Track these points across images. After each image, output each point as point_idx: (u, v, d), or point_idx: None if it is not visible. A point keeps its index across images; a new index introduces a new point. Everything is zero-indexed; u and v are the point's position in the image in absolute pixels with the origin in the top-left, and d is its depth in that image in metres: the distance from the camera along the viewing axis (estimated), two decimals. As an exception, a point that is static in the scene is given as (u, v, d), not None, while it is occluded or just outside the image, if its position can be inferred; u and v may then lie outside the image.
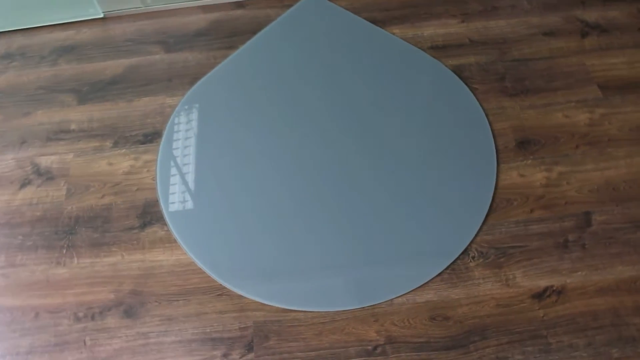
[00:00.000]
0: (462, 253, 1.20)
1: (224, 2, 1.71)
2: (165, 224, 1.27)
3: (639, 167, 1.31)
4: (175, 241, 1.25)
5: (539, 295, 1.14)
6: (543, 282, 1.15)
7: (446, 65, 1.52)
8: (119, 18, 1.70)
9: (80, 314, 1.16)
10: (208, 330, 1.13)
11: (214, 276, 1.19)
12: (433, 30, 1.61)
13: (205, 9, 1.71)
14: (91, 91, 1.53)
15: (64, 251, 1.24)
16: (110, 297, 1.18)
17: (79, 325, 1.15)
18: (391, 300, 1.15)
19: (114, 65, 1.58)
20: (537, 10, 1.64)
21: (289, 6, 1.69)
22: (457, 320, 1.11)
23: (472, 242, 1.21)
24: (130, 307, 1.16)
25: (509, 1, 1.67)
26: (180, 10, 1.71)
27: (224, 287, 1.18)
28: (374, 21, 1.63)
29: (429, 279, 1.17)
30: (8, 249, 1.26)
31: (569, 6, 1.64)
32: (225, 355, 1.09)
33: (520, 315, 1.11)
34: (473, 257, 1.19)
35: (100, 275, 1.21)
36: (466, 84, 1.48)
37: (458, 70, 1.51)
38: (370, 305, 1.14)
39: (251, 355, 1.09)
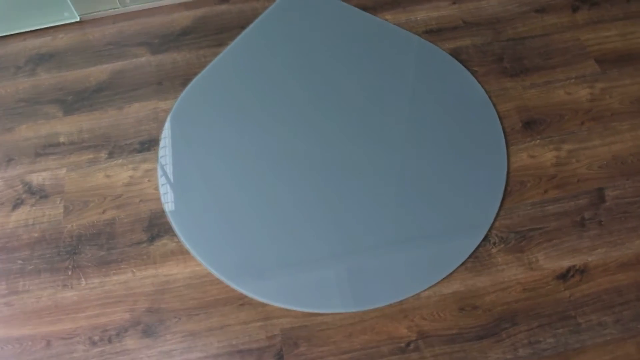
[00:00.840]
0: (483, 240, 1.19)
1: (207, -3, 1.64)
2: (174, 235, 1.22)
3: (644, 139, 1.32)
4: (187, 252, 1.19)
5: (563, 276, 1.14)
6: (565, 263, 1.15)
7: (443, 49, 1.50)
8: (96, 20, 1.61)
9: (96, 338, 1.10)
10: (234, 343, 1.09)
11: (233, 285, 1.15)
12: (426, 13, 1.58)
13: (188, 5, 1.63)
14: (77, 100, 1.44)
15: (70, 272, 1.18)
16: (126, 317, 1.12)
17: (95, 349, 1.09)
18: (418, 294, 1.13)
19: (98, 71, 1.50)
20: (526, -13, 1.63)
21: (275, -3, 1.63)
22: (486, 309, 1.11)
23: (491, 227, 1.20)
24: (149, 325, 1.11)
25: (497, -21, 1.65)
26: (161, 9, 1.63)
27: (245, 296, 1.14)
28: (364, 8, 1.59)
29: (453, 269, 1.15)
30: (8, 276, 1.18)
31: (557, -19, 1.63)
32: (255, 366, 1.06)
33: (548, 298, 1.11)
34: (494, 243, 1.18)
35: (112, 295, 1.15)
36: (465, 67, 1.46)
37: (455, 54, 1.49)
38: (398, 302, 1.12)
39: (282, 364, 1.06)
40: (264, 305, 1.13)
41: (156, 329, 1.11)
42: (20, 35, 1.59)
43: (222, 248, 1.19)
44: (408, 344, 1.07)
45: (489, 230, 1.20)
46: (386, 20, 1.57)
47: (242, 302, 1.13)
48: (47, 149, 1.36)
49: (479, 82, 1.43)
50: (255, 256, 1.18)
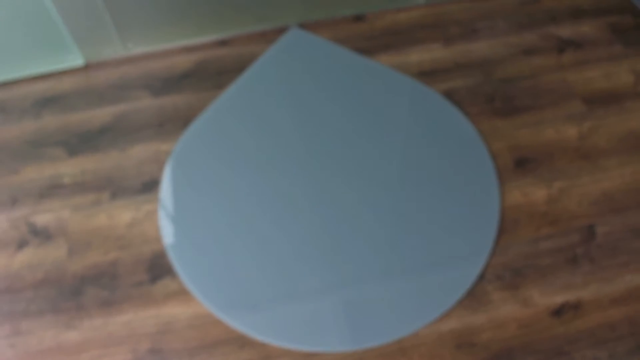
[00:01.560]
0: (479, 278, 1.21)
1: (207, 41, 1.70)
2: (175, 275, 1.24)
3: (631, 176, 1.36)
4: (188, 292, 1.21)
5: (557, 312, 1.16)
6: (559, 299, 1.18)
7: (436, 90, 1.55)
8: (100, 65, 1.67)
9: (99, 380, 1.11)
10: (235, 383, 1.10)
11: (233, 325, 1.16)
12: (418, 55, 1.64)
13: (189, 49, 1.69)
14: (81, 142, 1.48)
15: (73, 313, 1.19)
16: (128, 357, 1.14)
17: (98, 392, 1.10)
18: (416, 332, 1.15)
19: (101, 114, 1.55)
20: (513, 29, 1.70)
21: (273, 41, 1.69)
22: (483, 346, 1.13)
23: (486, 265, 1.23)
24: (151, 366, 1.12)
25: (485, 23, 1.72)
26: (163, 53, 1.69)
27: (246, 337, 1.15)
28: (359, 51, 1.66)
29: (449, 307, 1.18)
30: (12, 317, 1.20)
31: (542, 23, 1.71)
32: (256, 407, 1.07)
33: (543, 334, 1.14)
34: (490, 281, 1.21)
35: (114, 336, 1.16)
36: (458, 107, 1.51)
37: (448, 95, 1.54)
38: (397, 340, 1.14)
39: (283, 404, 1.07)
40: (264, 345, 1.14)
41: (158, 370, 1.12)
42: (27, 80, 1.64)
43: (222, 288, 1.21)
44: (407, 383, 1.09)
45: (485, 268, 1.23)
46: (380, 62, 1.63)
47: (243, 342, 1.15)
48: (52, 190, 1.40)
49: (471, 122, 1.48)
50: (255, 296, 1.20)
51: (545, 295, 1.19)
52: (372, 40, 1.69)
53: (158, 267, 1.25)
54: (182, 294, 1.21)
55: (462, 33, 1.70)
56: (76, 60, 1.64)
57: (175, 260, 1.26)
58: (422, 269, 1.23)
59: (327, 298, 1.19)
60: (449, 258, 1.24)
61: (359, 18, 1.75)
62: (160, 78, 1.62)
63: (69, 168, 1.44)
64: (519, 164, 1.39)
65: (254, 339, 1.15)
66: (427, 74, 1.60)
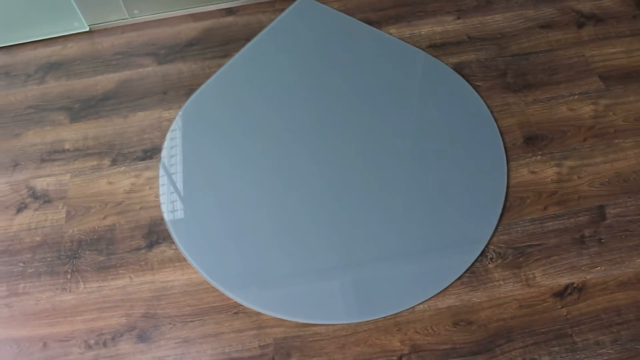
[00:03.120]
0: (480, 255, 1.18)
1: (214, 9, 1.67)
2: (172, 242, 1.23)
3: (647, 156, 1.31)
4: (184, 259, 1.20)
5: (561, 294, 1.12)
6: (563, 280, 1.14)
7: (447, 64, 1.50)
8: (105, 31, 1.65)
9: (92, 341, 1.11)
10: (227, 350, 1.09)
11: (228, 294, 1.15)
12: (430, 28, 1.59)
13: (195, 17, 1.66)
14: (83, 108, 1.47)
15: (69, 276, 1.19)
16: (122, 321, 1.13)
17: (90, 353, 1.10)
18: (412, 307, 1.12)
19: (105, 80, 1.53)
20: (531, 2, 1.63)
21: (281, 10, 1.65)
22: (481, 324, 1.10)
23: (489, 243, 1.19)
24: (144, 331, 1.12)
25: (503, -5, 1.66)
26: (169, 20, 1.66)
27: (240, 305, 1.14)
28: (369, 22, 1.61)
29: (448, 284, 1.15)
30: (9, 278, 1.20)
31: (562, -2, 1.64)
32: (247, 376, 1.06)
33: (544, 315, 1.10)
34: (491, 259, 1.17)
35: (109, 300, 1.16)
36: (468, 81, 1.46)
37: (459, 68, 1.49)
38: (392, 315, 1.12)
39: (274, 374, 1.06)
40: (258, 314, 1.13)
41: (151, 334, 1.11)
42: (31, 44, 1.63)
43: (219, 257, 1.20)
44: (400, 358, 1.07)
45: (487, 246, 1.19)
46: (390, 34, 1.58)
47: (237, 310, 1.14)
48: (53, 155, 1.39)
49: (481, 97, 1.43)
50: (251, 265, 1.19)
51: (549, 275, 1.15)
52: (382, 11, 1.64)
53: (155, 234, 1.24)
54: (178, 260, 1.20)
55: (476, 5, 1.63)
56: (81, 25, 1.62)
57: (172, 227, 1.24)
58: (423, 245, 1.20)
59: (326, 272, 1.17)
60: (450, 234, 1.21)
61: (370, -12, 1.70)
62: (165, 46, 1.60)
63: (71, 133, 1.43)
64: (529, 141, 1.34)
65: (248, 308, 1.14)
66: (437, 47, 1.54)
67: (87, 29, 1.63)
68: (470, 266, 1.17)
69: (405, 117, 1.39)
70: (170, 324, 1.13)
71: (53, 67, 1.57)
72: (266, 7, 1.67)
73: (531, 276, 1.15)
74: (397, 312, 1.12)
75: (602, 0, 1.62)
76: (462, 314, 1.11)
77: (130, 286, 1.18)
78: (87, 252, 1.23)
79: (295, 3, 1.66)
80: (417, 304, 1.13)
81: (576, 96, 1.42)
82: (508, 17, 1.60)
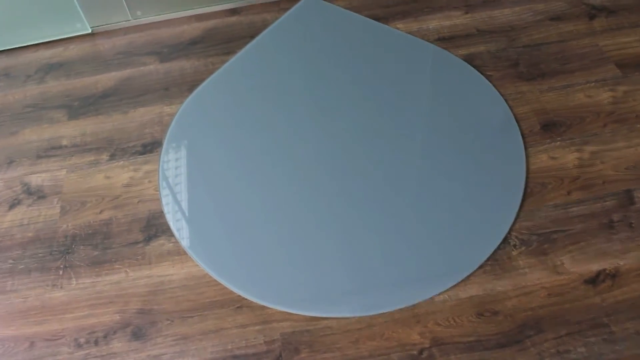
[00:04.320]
0: (502, 242, 1.09)
1: (218, 9, 1.65)
2: (172, 235, 1.15)
3: (673, 141, 1.24)
4: (184, 253, 1.12)
5: (593, 281, 1.03)
6: (594, 266, 1.05)
7: (456, 56, 1.45)
8: (108, 33, 1.62)
9: (82, 340, 1.02)
10: (229, 347, 0.99)
11: (230, 287, 1.07)
12: (438, 22, 1.55)
13: (199, 17, 1.64)
14: (82, 106, 1.43)
15: (61, 272, 1.11)
16: (116, 318, 1.04)
17: (80, 352, 1.01)
18: (431, 298, 1.03)
19: (105, 79, 1.49)
20: (540, -3, 1.60)
21: (286, 10, 1.63)
22: (507, 315, 1.00)
23: (510, 229, 1.11)
24: (139, 328, 1.03)
25: (510, -9, 1.63)
26: (172, 21, 1.63)
27: (243, 299, 1.05)
28: (375, 19, 1.58)
29: (469, 273, 1.06)
30: (-3, 276, 1.12)
31: (572, -8, 1.60)
32: (251, 373, 0.96)
33: (576, 304, 1.01)
34: (515, 246, 1.09)
35: (102, 296, 1.08)
36: (480, 72, 1.41)
37: (469, 59, 1.44)
38: (410, 306, 1.02)
39: (281, 371, 0.96)
40: (263, 308, 1.04)
41: (147, 331, 1.02)
42: (33, 46, 1.60)
43: (221, 249, 1.12)
44: (421, 352, 0.97)
45: (509, 233, 1.11)
46: (398, 29, 1.54)
47: (240, 304, 1.05)
48: (49, 151, 1.33)
49: (494, 86, 1.38)
50: (255, 258, 1.10)
51: (578, 262, 1.06)
52: (388, 7, 1.61)
53: (154, 227, 1.17)
54: (177, 254, 1.12)
55: (484, 1, 1.60)
56: (83, 27, 1.60)
57: (172, 219, 1.17)
58: (441, 233, 1.11)
59: (336, 262, 1.09)
60: (470, 222, 1.12)
61: (375, -13, 1.68)
62: (167, 45, 1.56)
63: (69, 130, 1.38)
64: (546, 128, 1.28)
65: (252, 301, 1.05)
66: (446, 40, 1.50)
67: (90, 31, 1.61)
68: (492, 254, 1.08)
69: (417, 108, 1.33)
70: (167, 320, 1.04)
71: (53, 68, 1.53)
72: (271, 7, 1.65)
73: (559, 263, 1.06)
74: (414, 303, 1.03)
75: (613, -7, 1.59)
76: (487, 303, 1.02)
77: (126, 281, 1.09)
78: (82, 247, 1.15)
79: (301, 2, 1.64)
80: (437, 294, 1.03)
81: (592, 84, 1.36)
82: (517, 11, 1.56)
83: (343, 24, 1.56)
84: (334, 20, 1.58)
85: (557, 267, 1.05)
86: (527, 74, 1.40)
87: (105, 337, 1.02)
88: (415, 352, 0.97)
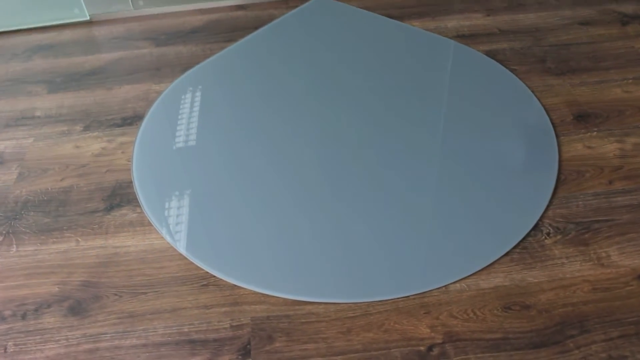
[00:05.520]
0: (533, 229, 0.90)
1: (224, 5, 1.57)
2: (137, 205, 0.98)
3: None
4: (149, 224, 0.94)
5: (649, 276, 0.82)
6: (650, 261, 0.84)
7: (478, 50, 1.33)
8: (106, 22, 1.54)
9: (7, 313, 0.82)
10: (186, 330, 0.78)
11: (197, 262, 0.87)
12: (457, 22, 1.44)
13: (203, 11, 1.55)
14: (65, 81, 1.31)
15: (1, 238, 0.93)
16: (53, 290, 0.85)
17: (2, 326, 0.80)
18: (445, 286, 0.82)
19: (95, 59, 1.38)
20: (566, 5, 1.49)
21: (295, 7, 1.54)
22: (541, 310, 0.79)
23: (543, 216, 0.92)
24: (79, 302, 0.83)
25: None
26: (175, 14, 1.55)
27: (211, 276, 0.85)
28: (390, 17, 1.47)
29: (493, 260, 0.85)
30: None
31: (600, 2, 1.50)
32: (209, 362, 0.75)
33: (630, 301, 0.79)
34: (548, 234, 0.89)
35: (43, 265, 0.88)
36: (503, 66, 1.27)
37: (491, 55, 1.31)
38: (418, 294, 0.81)
39: (248, 362, 0.74)
40: (234, 288, 0.84)
41: (87, 306, 0.82)
42: (26, 30, 1.52)
43: (191, 222, 0.94)
44: (430, 348, 0.75)
45: (541, 219, 0.91)
46: (414, 26, 1.43)
47: (207, 282, 0.85)
48: (20, 121, 1.20)
49: (519, 79, 1.23)
50: (230, 233, 0.92)
51: (629, 255, 0.85)
52: (404, 8, 1.51)
53: (118, 197, 1.00)
54: (140, 225, 0.94)
55: (507, 6, 1.50)
56: (81, 13, 1.52)
57: (140, 189, 1.00)
58: (460, 218, 0.92)
59: (327, 239, 0.89)
60: (496, 207, 0.94)
61: (391, -8, 1.60)
62: (166, 32, 1.47)
63: (45, 102, 1.25)
64: (580, 118, 1.12)
65: (221, 280, 0.85)
66: (466, 37, 1.38)
67: (87, 18, 1.53)
68: (521, 241, 0.88)
69: (437, 98, 1.18)
70: (115, 295, 0.84)
71: (43, 49, 1.44)
72: (279, 5, 1.56)
73: (604, 255, 0.85)
74: (424, 290, 0.82)
75: (646, 5, 1.48)
76: (515, 295, 0.81)
77: (74, 251, 0.91)
78: (32, 213, 0.98)
79: (311, 1, 1.55)
80: (452, 282, 0.83)
81: (630, 80, 1.21)
82: (542, 16, 1.46)
83: (355, 20, 1.46)
84: (346, 17, 1.48)
85: (602, 260, 0.85)
86: (555, 69, 1.26)
87: (36, 310, 0.82)
88: (422, 349, 0.75)
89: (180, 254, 0.89)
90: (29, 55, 1.42)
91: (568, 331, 0.76)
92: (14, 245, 0.92)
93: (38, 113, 1.22)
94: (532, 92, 1.19)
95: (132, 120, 1.17)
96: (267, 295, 0.82)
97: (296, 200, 0.97)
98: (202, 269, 0.86)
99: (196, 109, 1.19)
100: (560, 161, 1.02)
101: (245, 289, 0.84)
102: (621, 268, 0.83)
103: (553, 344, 0.75)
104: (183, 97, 1.23)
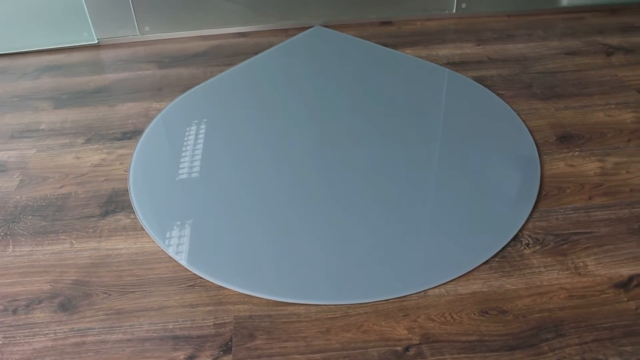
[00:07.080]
0: (512, 240, 0.92)
1: (226, 32, 1.65)
2: (132, 212, 1.01)
3: None
4: (141, 229, 0.98)
5: (624, 285, 0.84)
6: (625, 271, 0.86)
7: (466, 77, 1.38)
8: (114, 45, 1.62)
9: (-1, 308, 0.85)
10: (170, 327, 0.81)
11: (184, 264, 0.90)
12: (448, 51, 1.51)
13: (206, 37, 1.63)
14: (70, 98, 1.37)
15: (-2, 240, 0.97)
16: (45, 288, 0.88)
17: (-7, 321, 0.83)
18: (424, 291, 0.84)
19: (100, 79, 1.45)
20: (554, 37, 1.56)
21: (294, 35, 1.61)
22: (518, 314, 0.80)
23: (523, 228, 0.94)
24: (69, 299, 0.85)
25: (523, 31, 1.60)
26: (178, 39, 1.63)
27: (198, 278, 0.88)
28: (384, 46, 1.54)
29: (472, 268, 0.88)
30: None
31: (586, 34, 1.57)
32: (190, 357, 0.76)
33: (605, 308, 0.81)
34: (527, 244, 0.91)
35: (37, 265, 0.92)
36: (491, 90, 1.33)
37: (479, 80, 1.37)
38: (397, 298, 0.84)
39: (228, 358, 0.76)
40: (219, 289, 0.86)
41: (77, 303, 0.85)
42: (37, 52, 1.60)
43: (182, 228, 0.97)
44: (407, 349, 0.76)
45: (520, 231, 0.94)
46: (406, 54, 1.50)
47: (193, 283, 0.87)
48: (24, 133, 1.25)
49: (506, 103, 1.28)
50: (218, 238, 0.95)
51: (605, 265, 0.87)
52: (399, 38, 1.58)
53: (114, 204, 1.03)
54: (133, 229, 0.98)
55: (497, 37, 1.57)
56: (90, 37, 1.60)
57: (135, 196, 1.04)
58: (442, 226, 0.95)
59: (310, 243, 0.92)
60: (477, 218, 0.96)
61: (386, 23, 1.67)
62: (170, 56, 1.54)
63: (50, 117, 1.31)
64: (563, 139, 1.16)
65: (207, 281, 0.87)
66: (456, 64, 1.44)
67: (96, 42, 1.61)
68: (500, 251, 0.90)
69: (425, 117, 1.23)
70: (105, 293, 0.86)
71: (52, 69, 1.51)
72: (279, 33, 1.64)
73: (581, 264, 0.87)
74: (403, 295, 0.84)
75: (630, 37, 1.54)
76: (492, 301, 0.82)
77: (68, 252, 0.94)
78: (30, 217, 1.01)
79: (309, 30, 1.63)
80: (431, 287, 0.85)
81: (613, 105, 1.26)
82: (531, 46, 1.52)
83: (351, 47, 1.53)
84: (342, 44, 1.55)
85: (580, 269, 0.87)
86: (541, 94, 1.31)
87: (27, 306, 0.85)
88: (399, 349, 0.76)
89: (170, 257, 0.92)
90: (38, 74, 1.49)
91: (543, 335, 0.77)
92: (11, 246, 0.96)
93: (43, 126, 1.27)
94: (518, 114, 1.24)
95: (132, 134, 1.22)
96: (251, 296, 0.85)
97: (281, 208, 1.00)
98: (190, 271, 0.89)
99: (194, 124, 1.24)
100: (542, 178, 1.05)
101: (230, 289, 0.86)
102: (598, 277, 0.85)
103: (528, 346, 0.76)
104: (181, 114, 1.28)
